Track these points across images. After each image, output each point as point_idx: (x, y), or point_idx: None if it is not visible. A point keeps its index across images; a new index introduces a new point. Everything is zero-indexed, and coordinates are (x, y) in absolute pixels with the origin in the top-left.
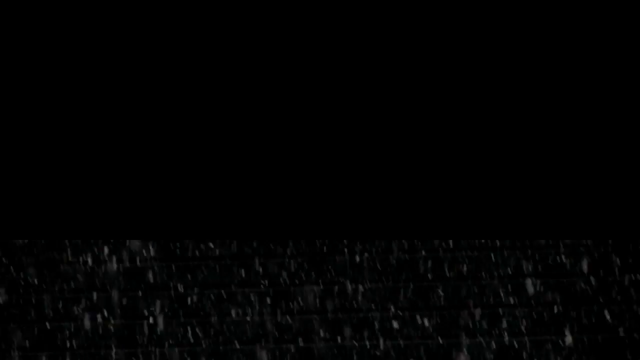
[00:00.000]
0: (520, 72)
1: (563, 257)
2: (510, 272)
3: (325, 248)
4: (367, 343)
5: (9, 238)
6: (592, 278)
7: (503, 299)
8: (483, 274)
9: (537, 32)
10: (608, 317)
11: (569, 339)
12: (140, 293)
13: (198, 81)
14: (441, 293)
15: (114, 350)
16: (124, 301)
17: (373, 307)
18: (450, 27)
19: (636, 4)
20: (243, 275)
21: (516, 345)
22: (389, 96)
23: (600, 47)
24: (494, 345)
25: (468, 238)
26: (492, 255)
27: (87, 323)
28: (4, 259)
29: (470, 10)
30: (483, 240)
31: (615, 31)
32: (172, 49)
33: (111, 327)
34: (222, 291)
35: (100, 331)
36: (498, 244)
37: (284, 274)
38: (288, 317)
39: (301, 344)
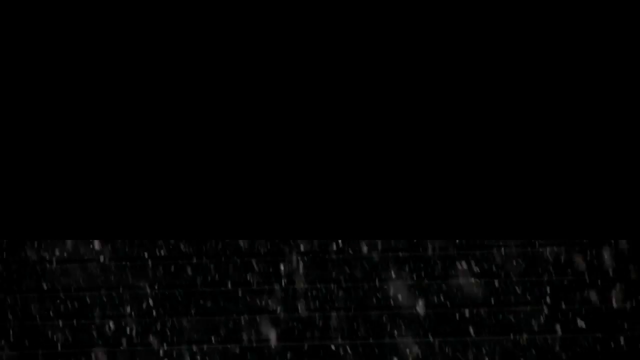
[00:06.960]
0: (523, 72)
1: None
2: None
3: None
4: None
5: (11, 238)
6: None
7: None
8: (491, 273)
9: (537, 32)
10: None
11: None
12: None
13: (200, 81)
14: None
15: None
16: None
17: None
18: (451, 27)
19: (636, 4)
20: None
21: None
22: (392, 96)
23: (600, 47)
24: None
25: (470, 238)
26: (497, 254)
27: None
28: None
29: (471, 10)
30: (486, 240)
31: (615, 31)
32: (173, 48)
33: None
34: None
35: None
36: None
37: (292, 271)
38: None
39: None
